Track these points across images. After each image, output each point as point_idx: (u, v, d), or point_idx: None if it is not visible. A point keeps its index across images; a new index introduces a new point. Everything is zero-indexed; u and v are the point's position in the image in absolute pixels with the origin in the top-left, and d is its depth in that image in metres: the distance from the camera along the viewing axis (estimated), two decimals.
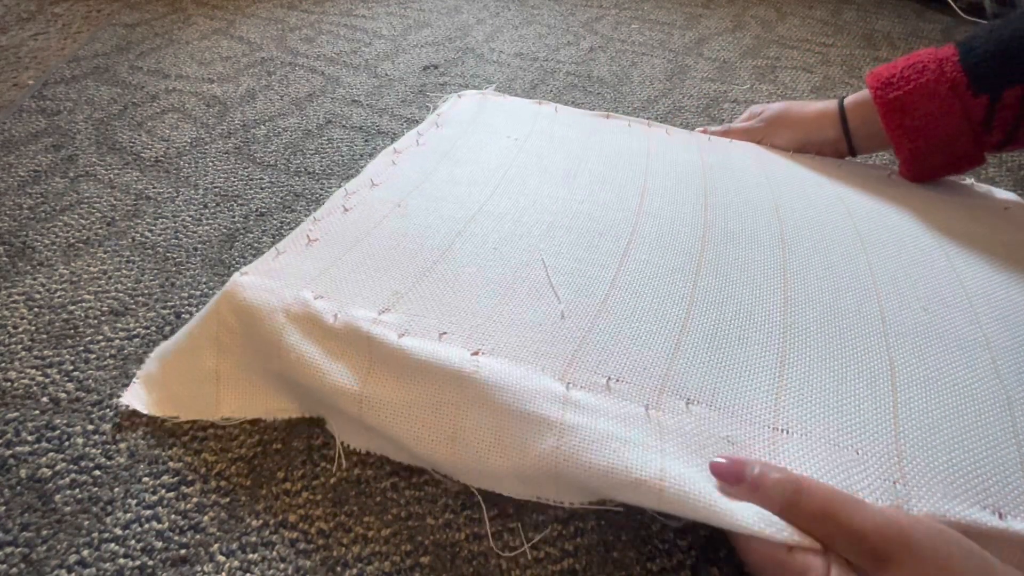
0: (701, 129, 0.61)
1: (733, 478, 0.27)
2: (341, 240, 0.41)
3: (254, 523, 0.32)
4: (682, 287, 0.39)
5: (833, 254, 0.43)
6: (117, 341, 0.41)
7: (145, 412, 0.36)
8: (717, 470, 0.28)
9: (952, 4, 1.04)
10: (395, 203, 0.45)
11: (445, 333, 0.34)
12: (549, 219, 0.45)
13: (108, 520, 0.32)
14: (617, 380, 0.32)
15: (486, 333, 0.35)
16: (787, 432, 0.30)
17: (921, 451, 0.30)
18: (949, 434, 0.31)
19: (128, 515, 0.32)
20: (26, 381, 0.38)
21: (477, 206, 0.45)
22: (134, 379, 0.38)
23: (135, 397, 0.37)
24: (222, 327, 0.37)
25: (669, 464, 0.29)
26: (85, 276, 0.46)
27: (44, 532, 0.31)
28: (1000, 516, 0.27)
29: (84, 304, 0.43)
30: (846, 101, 0.54)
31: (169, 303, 0.44)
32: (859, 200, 0.49)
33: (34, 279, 0.45)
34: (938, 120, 0.47)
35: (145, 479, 0.33)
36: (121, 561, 0.30)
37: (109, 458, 0.34)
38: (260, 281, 0.37)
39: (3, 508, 0.32)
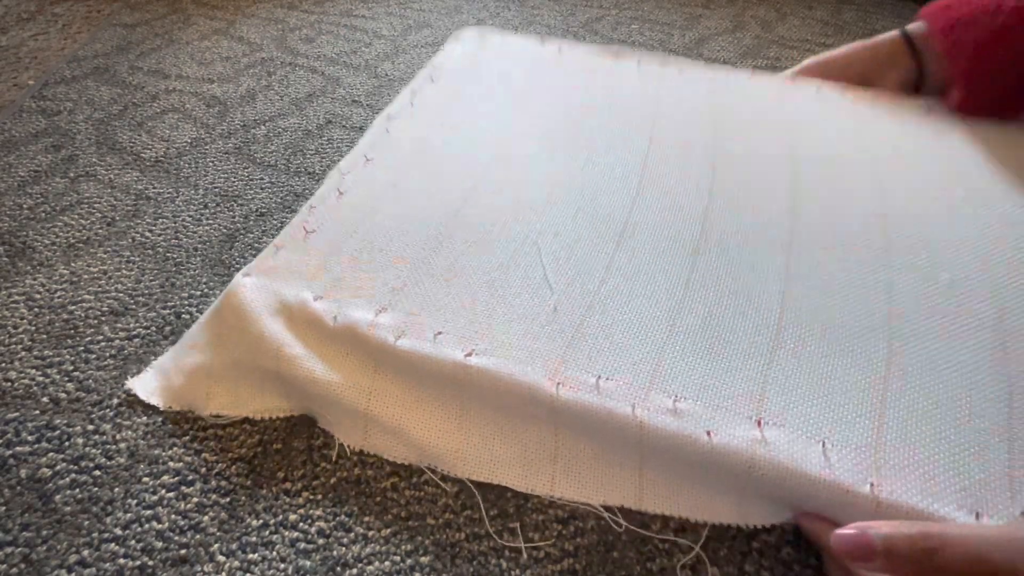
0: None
1: (861, 555, 0.24)
2: (338, 229, 0.41)
3: (254, 523, 0.32)
4: (678, 272, 0.38)
5: (848, 223, 0.40)
6: (117, 341, 0.41)
7: (144, 399, 0.36)
8: (843, 549, 0.25)
9: None
10: (390, 183, 0.44)
11: (440, 332, 0.34)
12: (547, 192, 0.43)
13: (108, 520, 0.32)
14: (607, 378, 0.32)
15: (479, 330, 0.34)
16: (766, 425, 0.30)
17: (902, 444, 0.29)
18: (936, 427, 0.30)
19: (128, 515, 0.32)
20: (26, 381, 0.38)
21: (472, 182, 0.44)
22: (147, 367, 0.38)
23: (141, 383, 0.37)
24: (222, 324, 0.37)
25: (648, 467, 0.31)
26: (85, 276, 0.46)
27: (44, 532, 0.31)
28: (977, 516, 0.26)
29: (84, 304, 0.43)
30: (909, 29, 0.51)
31: (169, 303, 0.44)
32: (889, 148, 0.46)
33: (34, 279, 0.45)
34: (999, 35, 0.44)
35: (145, 479, 0.33)
36: (121, 561, 0.30)
37: (109, 458, 0.34)
38: (261, 282, 0.38)
39: (3, 508, 0.32)
